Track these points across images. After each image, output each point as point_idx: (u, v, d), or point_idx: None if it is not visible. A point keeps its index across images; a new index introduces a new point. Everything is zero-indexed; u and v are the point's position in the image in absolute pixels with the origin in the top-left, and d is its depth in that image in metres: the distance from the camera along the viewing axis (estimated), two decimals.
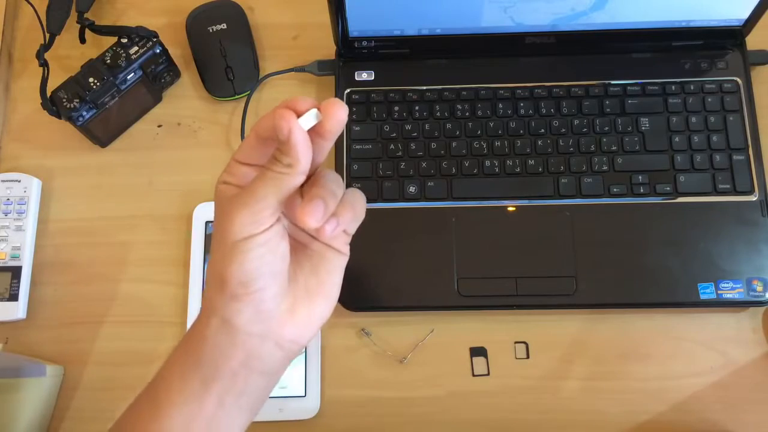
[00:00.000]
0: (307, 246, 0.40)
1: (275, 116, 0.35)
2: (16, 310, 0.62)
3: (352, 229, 0.40)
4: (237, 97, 0.69)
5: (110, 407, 0.61)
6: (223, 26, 0.70)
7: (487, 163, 0.64)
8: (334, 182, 0.38)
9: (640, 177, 0.64)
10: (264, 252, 0.36)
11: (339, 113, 0.36)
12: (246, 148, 0.38)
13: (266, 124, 0.37)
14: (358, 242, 0.63)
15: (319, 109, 0.36)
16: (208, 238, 0.64)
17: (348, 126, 0.66)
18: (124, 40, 0.64)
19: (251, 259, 0.35)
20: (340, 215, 0.37)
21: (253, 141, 0.38)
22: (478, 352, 0.62)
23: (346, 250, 0.41)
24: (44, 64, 0.65)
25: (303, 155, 0.35)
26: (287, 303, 0.38)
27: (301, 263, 0.40)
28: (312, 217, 0.35)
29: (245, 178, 0.39)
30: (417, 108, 0.66)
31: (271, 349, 0.38)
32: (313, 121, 0.36)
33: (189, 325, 0.62)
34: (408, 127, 0.66)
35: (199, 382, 0.37)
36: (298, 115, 0.35)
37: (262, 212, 0.35)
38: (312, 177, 0.38)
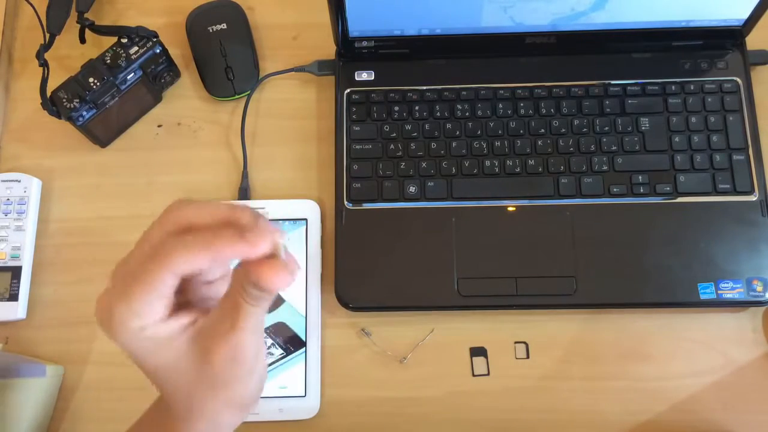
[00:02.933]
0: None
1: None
2: (16, 310, 0.62)
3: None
4: (237, 97, 0.69)
5: (110, 407, 0.61)
6: (223, 26, 0.70)
7: (487, 163, 0.64)
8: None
9: (640, 177, 0.63)
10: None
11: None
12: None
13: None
14: (359, 242, 0.63)
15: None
16: None
17: (348, 126, 0.66)
18: (124, 40, 0.64)
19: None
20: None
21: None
22: (478, 352, 0.62)
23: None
24: (44, 64, 0.65)
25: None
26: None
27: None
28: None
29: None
30: (417, 108, 0.66)
31: None
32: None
33: None
34: (408, 127, 0.66)
35: None
36: None
37: None
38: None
